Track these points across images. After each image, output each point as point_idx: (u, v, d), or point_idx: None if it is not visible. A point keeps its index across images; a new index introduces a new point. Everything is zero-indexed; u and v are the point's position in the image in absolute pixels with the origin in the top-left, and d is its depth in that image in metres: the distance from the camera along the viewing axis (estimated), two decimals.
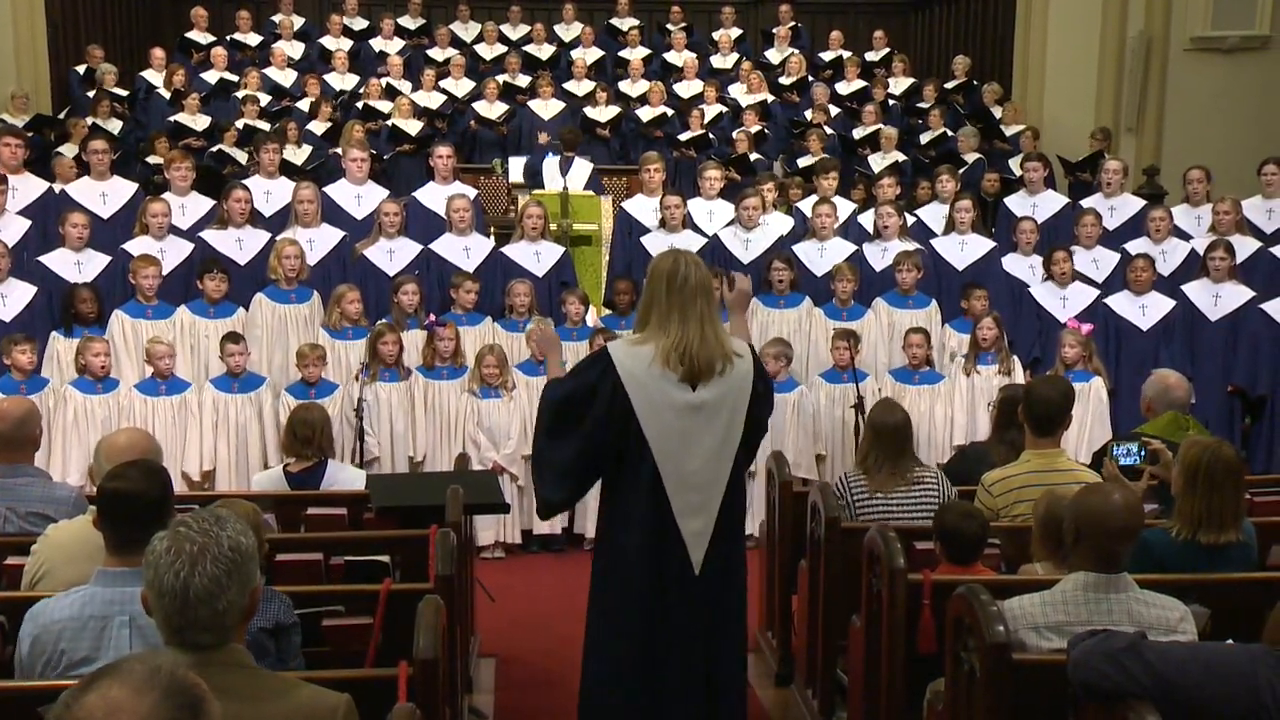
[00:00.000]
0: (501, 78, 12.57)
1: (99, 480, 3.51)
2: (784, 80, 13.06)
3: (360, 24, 14.00)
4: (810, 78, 13.15)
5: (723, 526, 3.81)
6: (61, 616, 3.00)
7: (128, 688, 1.71)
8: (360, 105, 12.02)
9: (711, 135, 11.91)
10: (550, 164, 10.42)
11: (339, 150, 10.50)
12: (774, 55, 13.96)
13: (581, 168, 10.43)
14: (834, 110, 12.63)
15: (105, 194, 8.97)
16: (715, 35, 14.25)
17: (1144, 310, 8.32)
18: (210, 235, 8.40)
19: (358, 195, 9.21)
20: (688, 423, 3.74)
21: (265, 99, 12.08)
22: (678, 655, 3.78)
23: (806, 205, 9.46)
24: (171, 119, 11.63)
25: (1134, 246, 8.93)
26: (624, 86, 13.00)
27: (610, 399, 3.74)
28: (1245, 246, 8.81)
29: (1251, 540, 4.01)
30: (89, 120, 11.35)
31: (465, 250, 8.57)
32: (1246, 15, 12.19)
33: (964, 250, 8.99)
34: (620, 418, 3.74)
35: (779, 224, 9.29)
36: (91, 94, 12.04)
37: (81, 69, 12.66)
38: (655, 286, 3.82)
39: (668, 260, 3.85)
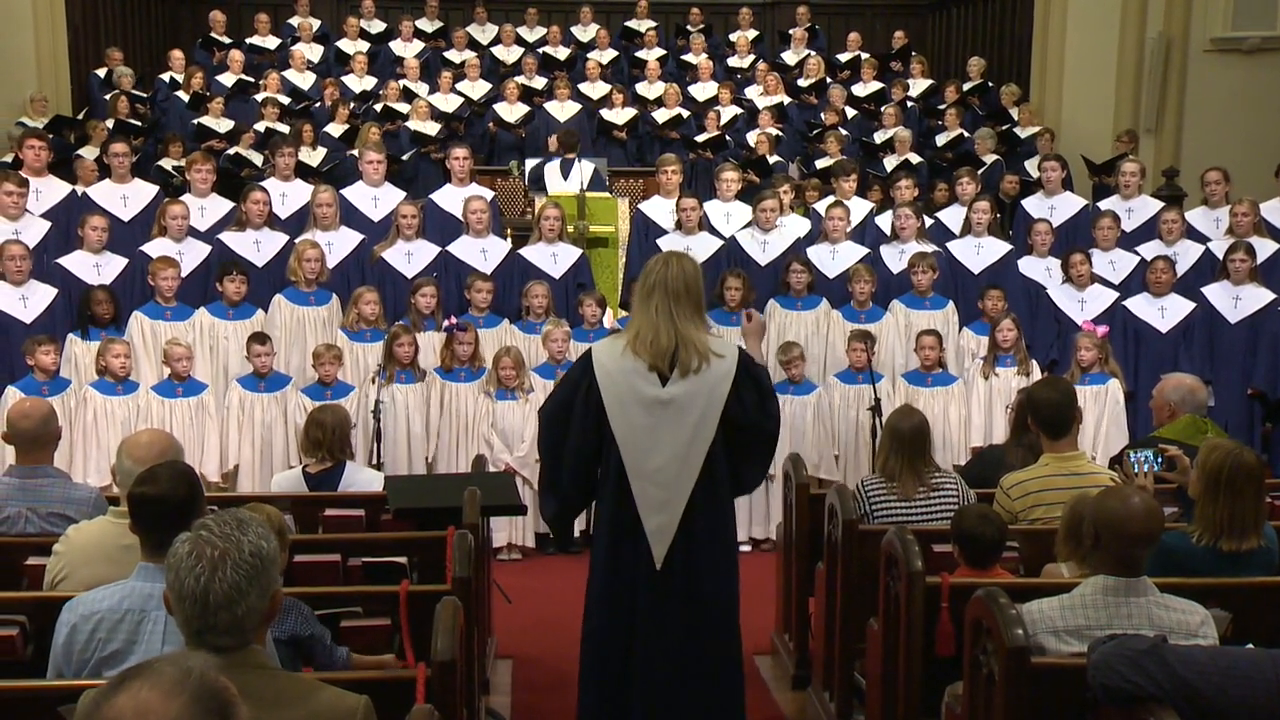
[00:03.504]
0: (518, 79, 12.58)
1: (127, 481, 3.53)
2: (801, 82, 13.04)
3: (378, 26, 14.04)
4: (828, 79, 13.13)
5: (692, 526, 3.89)
6: (101, 608, 3.03)
7: (158, 690, 1.72)
8: (379, 108, 12.05)
9: (728, 137, 11.90)
10: (551, 168, 10.42)
11: (355, 152, 10.54)
12: (790, 57, 13.94)
13: (583, 169, 10.40)
14: (851, 112, 12.60)
15: (126, 196, 9.03)
16: (732, 37, 14.24)
17: (1163, 312, 8.27)
18: (228, 237, 8.44)
19: (374, 197, 9.24)
20: (653, 418, 3.89)
21: (285, 101, 12.13)
22: (653, 651, 3.89)
23: (824, 207, 9.45)
24: (195, 121, 11.68)
25: (1145, 248, 8.88)
26: (640, 88, 13.00)
27: (586, 396, 3.96)
28: (1264, 248, 8.74)
29: (1273, 545, 3.97)
30: (110, 122, 11.41)
31: (482, 252, 8.58)
32: (1267, 16, 12.10)
33: (980, 253, 8.95)
34: (595, 414, 3.94)
35: (796, 226, 9.29)
36: (111, 97, 12.10)
37: (102, 72, 12.73)
38: (636, 285, 4.13)
39: (650, 261, 4.13)
